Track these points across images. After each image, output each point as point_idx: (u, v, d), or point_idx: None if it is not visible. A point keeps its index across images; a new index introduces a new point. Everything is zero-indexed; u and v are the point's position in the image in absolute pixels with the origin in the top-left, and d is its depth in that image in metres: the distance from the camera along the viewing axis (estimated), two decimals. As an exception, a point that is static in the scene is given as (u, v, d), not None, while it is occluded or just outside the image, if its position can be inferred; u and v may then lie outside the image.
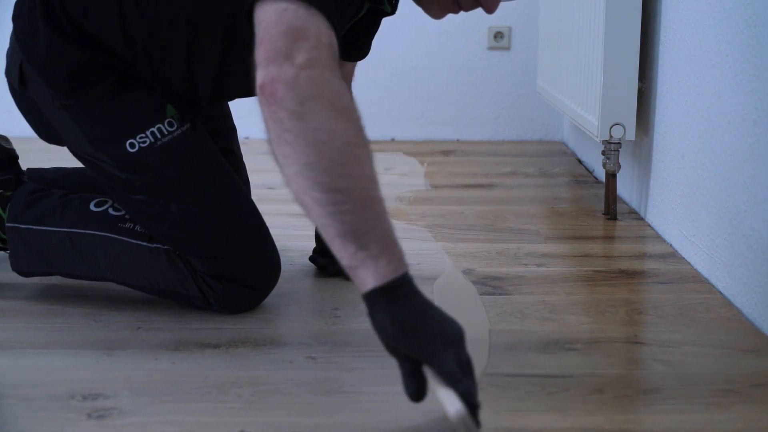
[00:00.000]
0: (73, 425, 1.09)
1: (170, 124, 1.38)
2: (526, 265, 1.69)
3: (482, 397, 1.15)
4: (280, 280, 1.62)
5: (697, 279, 1.60)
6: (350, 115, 1.03)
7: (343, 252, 1.00)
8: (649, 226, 1.95)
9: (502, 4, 1.34)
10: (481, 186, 2.39)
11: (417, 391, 1.03)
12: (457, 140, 3.10)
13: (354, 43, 1.51)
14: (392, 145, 3.02)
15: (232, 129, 1.73)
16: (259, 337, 1.35)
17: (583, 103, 2.11)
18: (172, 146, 1.38)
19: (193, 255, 1.41)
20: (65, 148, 1.49)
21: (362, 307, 1.44)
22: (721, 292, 1.53)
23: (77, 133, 1.40)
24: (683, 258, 1.72)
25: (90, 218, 1.46)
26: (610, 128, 1.94)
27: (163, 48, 1.36)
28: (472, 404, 0.98)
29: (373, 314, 1.02)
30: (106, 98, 1.36)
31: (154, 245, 1.43)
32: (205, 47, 1.37)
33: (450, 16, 1.39)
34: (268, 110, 1.02)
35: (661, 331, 1.38)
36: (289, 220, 2.02)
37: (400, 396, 1.16)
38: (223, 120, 1.70)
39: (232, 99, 1.57)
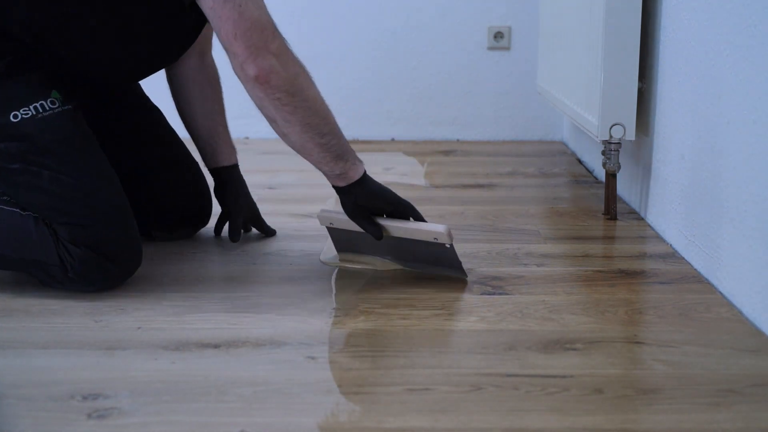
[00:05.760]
0: (73, 425, 1.09)
1: (53, 103, 1.53)
2: (526, 265, 1.69)
3: (482, 396, 1.16)
4: (281, 280, 1.62)
5: (697, 279, 1.60)
6: (311, 76, 1.48)
7: (336, 167, 1.52)
8: (649, 226, 1.95)
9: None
10: (481, 186, 2.39)
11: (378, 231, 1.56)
12: (457, 140, 3.10)
13: None
14: (392, 145, 3.02)
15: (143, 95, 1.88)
16: (259, 337, 1.36)
17: (583, 103, 2.11)
18: (51, 119, 1.52)
19: (56, 222, 1.52)
20: None
21: (362, 307, 1.46)
22: (721, 292, 1.53)
23: None
24: (683, 258, 1.72)
25: None
26: (610, 128, 1.94)
27: (64, 28, 1.51)
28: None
29: (356, 194, 1.54)
30: None
31: (26, 213, 1.54)
32: (105, 25, 1.52)
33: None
34: (266, 94, 1.42)
35: (661, 331, 1.38)
36: (289, 220, 2.03)
37: (399, 396, 1.16)
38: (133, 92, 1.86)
39: (139, 79, 1.74)
